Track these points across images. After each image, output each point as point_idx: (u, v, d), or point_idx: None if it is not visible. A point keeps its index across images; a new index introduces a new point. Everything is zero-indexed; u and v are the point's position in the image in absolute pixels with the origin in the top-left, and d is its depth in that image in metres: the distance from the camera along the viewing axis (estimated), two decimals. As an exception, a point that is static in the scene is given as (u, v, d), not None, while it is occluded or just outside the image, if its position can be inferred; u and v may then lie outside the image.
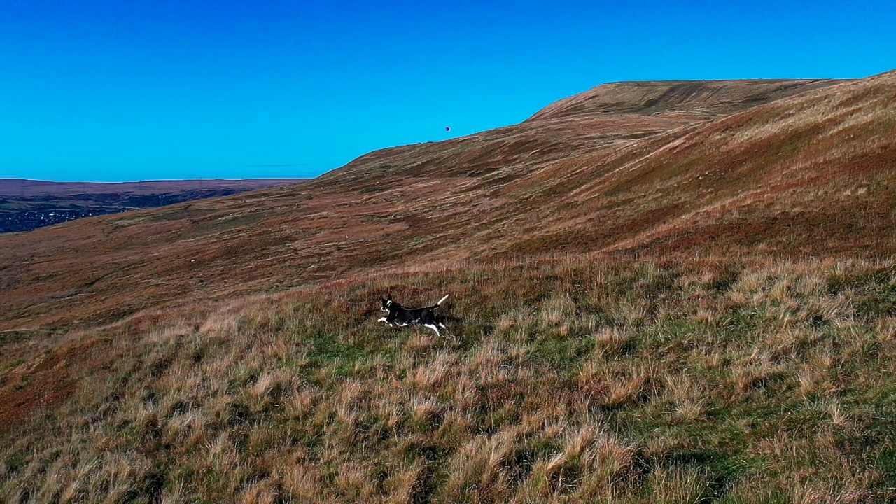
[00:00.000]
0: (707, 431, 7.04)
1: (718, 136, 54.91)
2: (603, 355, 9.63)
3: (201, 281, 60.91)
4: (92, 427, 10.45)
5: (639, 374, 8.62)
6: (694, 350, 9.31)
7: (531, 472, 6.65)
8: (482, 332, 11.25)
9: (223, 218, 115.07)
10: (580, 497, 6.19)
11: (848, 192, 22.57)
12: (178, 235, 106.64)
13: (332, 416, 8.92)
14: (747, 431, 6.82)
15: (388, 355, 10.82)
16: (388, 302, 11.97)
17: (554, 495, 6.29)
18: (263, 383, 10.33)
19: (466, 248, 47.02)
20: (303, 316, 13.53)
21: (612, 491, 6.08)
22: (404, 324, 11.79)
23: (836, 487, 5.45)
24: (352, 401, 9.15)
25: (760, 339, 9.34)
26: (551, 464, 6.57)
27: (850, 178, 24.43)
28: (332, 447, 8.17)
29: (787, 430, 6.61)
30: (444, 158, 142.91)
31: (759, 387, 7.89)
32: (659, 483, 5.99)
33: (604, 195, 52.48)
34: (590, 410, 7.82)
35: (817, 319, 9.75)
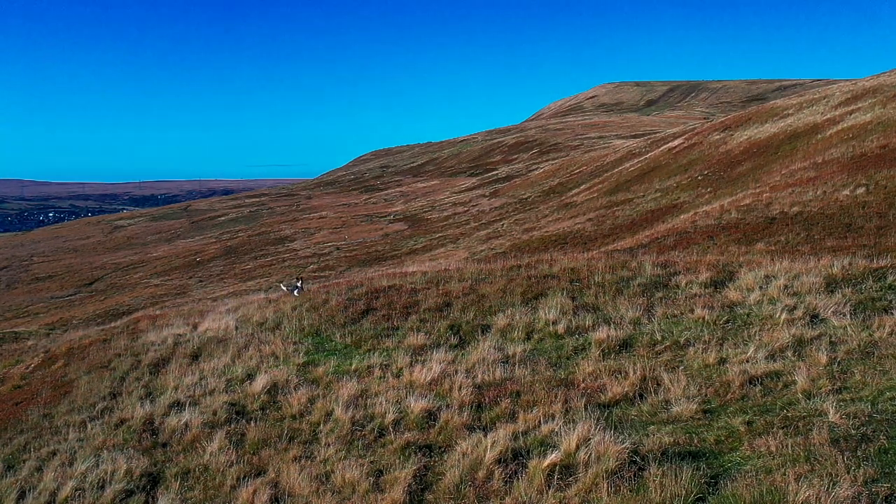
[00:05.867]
0: (703, 429, 7.04)
1: (717, 136, 54.94)
2: (600, 353, 9.63)
3: (200, 281, 60.91)
4: (89, 426, 10.45)
5: (635, 373, 8.61)
6: (691, 348, 9.31)
7: (527, 470, 6.65)
8: (479, 331, 11.26)
9: (222, 218, 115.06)
10: (576, 494, 6.19)
11: (846, 192, 22.58)
12: (177, 235, 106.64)
13: (329, 414, 8.92)
14: (743, 429, 6.82)
15: (385, 354, 10.83)
16: None
17: (549, 493, 6.29)
18: (260, 382, 10.33)
19: (465, 248, 47.04)
20: (300, 315, 13.54)
21: (608, 488, 6.08)
22: None
23: (831, 484, 5.45)
24: (348, 399, 9.15)
25: (757, 338, 9.34)
26: (547, 461, 6.57)
27: (849, 178, 24.45)
28: (329, 445, 8.17)
29: (783, 428, 6.61)
30: (444, 159, 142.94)
31: (755, 385, 7.89)
32: (654, 480, 5.99)
33: (603, 195, 52.51)
34: (586, 408, 7.83)
35: (814, 318, 9.76)
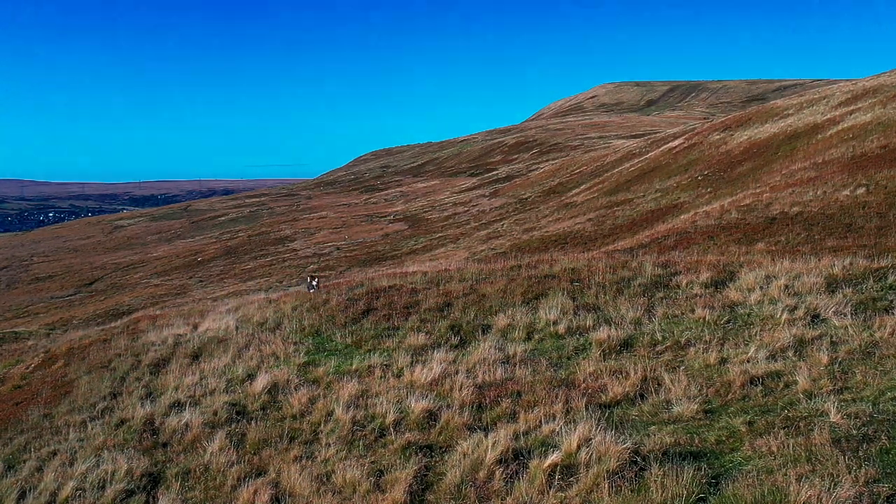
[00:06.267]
0: (704, 429, 7.04)
1: (717, 137, 54.93)
2: (600, 354, 9.63)
3: (200, 281, 60.91)
4: (89, 426, 10.45)
5: (636, 373, 8.61)
6: (691, 348, 9.30)
7: (528, 470, 6.64)
8: (480, 331, 11.25)
9: (222, 218, 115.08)
10: (577, 494, 6.18)
11: (847, 192, 22.58)
12: (177, 235, 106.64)
13: (330, 414, 8.92)
14: (744, 429, 6.81)
15: (385, 354, 10.82)
16: None
17: (550, 493, 6.28)
18: (261, 382, 10.32)
19: (466, 248, 47.03)
20: (301, 315, 13.53)
21: (609, 488, 6.08)
22: None
23: (833, 485, 5.44)
24: (349, 399, 9.14)
25: (758, 338, 9.34)
26: (548, 461, 6.56)
27: (849, 178, 24.44)
28: (329, 445, 8.17)
29: (784, 428, 6.61)
30: (444, 159, 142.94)
31: (756, 385, 7.89)
32: (655, 480, 5.98)
33: (603, 195, 52.51)
34: (587, 408, 7.82)
35: (815, 318, 9.76)
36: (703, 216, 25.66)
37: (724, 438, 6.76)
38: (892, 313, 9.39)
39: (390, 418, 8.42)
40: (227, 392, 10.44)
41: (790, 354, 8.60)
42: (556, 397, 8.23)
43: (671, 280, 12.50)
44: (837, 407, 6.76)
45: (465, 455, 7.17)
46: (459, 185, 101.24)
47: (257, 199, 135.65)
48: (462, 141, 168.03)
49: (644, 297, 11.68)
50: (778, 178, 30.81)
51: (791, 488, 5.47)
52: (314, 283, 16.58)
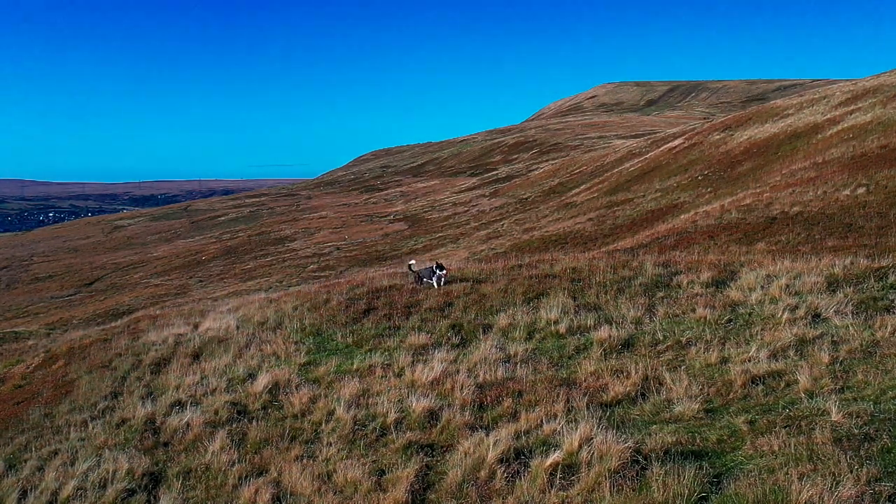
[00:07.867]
0: (705, 428, 7.04)
1: (718, 136, 54.94)
2: (601, 353, 9.62)
3: (200, 281, 60.92)
4: (90, 425, 10.44)
5: (637, 372, 8.61)
6: (692, 348, 9.30)
7: (529, 469, 6.65)
8: (481, 331, 11.24)
9: (223, 218, 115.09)
10: (578, 494, 6.19)
11: (847, 192, 22.59)
12: (177, 235, 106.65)
13: (331, 413, 8.92)
14: (745, 428, 6.81)
15: (386, 353, 10.82)
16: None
17: (552, 492, 6.28)
18: (262, 381, 10.32)
19: (466, 247, 47.04)
20: (301, 315, 13.53)
21: (610, 488, 6.08)
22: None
23: (834, 484, 5.45)
24: (350, 399, 9.14)
25: (759, 337, 9.34)
26: (549, 461, 6.57)
27: (849, 178, 24.46)
28: (331, 445, 8.17)
29: (786, 427, 6.61)
30: (444, 159, 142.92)
31: (757, 384, 7.89)
32: (657, 480, 5.98)
33: (603, 195, 52.52)
34: (588, 408, 7.82)
35: (816, 317, 9.75)
36: (703, 216, 25.68)
37: (725, 437, 6.76)
38: (893, 313, 9.39)
39: (391, 418, 8.42)
40: (228, 391, 10.44)
41: (791, 354, 8.60)
42: (558, 396, 8.23)
43: (672, 280, 12.50)
44: (839, 406, 6.76)
45: (466, 454, 7.17)
46: (459, 185, 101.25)
47: (257, 199, 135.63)
48: (462, 141, 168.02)
49: (645, 297, 11.68)
50: (778, 178, 30.83)
51: (793, 487, 5.48)
52: (440, 271, 13.50)
